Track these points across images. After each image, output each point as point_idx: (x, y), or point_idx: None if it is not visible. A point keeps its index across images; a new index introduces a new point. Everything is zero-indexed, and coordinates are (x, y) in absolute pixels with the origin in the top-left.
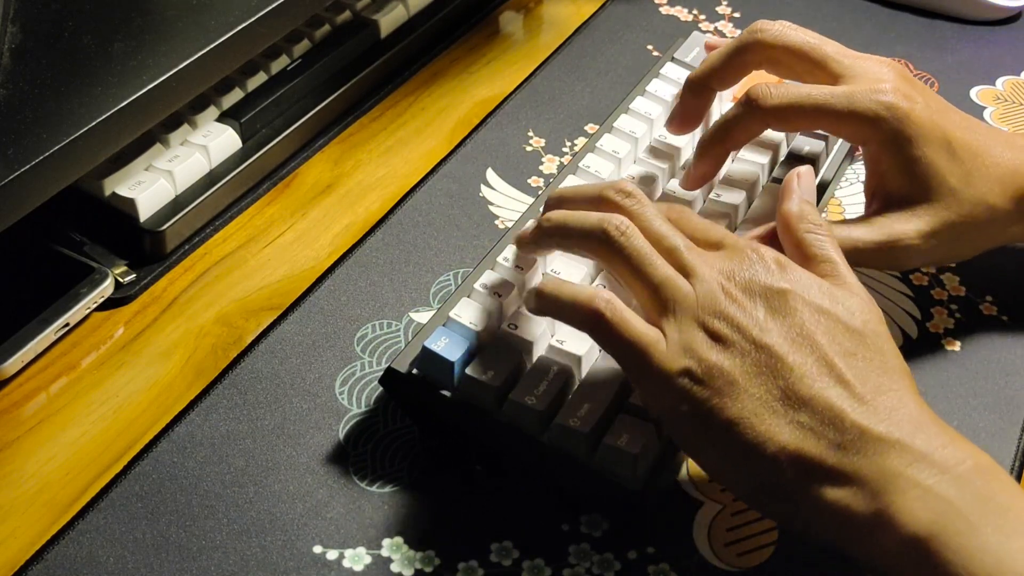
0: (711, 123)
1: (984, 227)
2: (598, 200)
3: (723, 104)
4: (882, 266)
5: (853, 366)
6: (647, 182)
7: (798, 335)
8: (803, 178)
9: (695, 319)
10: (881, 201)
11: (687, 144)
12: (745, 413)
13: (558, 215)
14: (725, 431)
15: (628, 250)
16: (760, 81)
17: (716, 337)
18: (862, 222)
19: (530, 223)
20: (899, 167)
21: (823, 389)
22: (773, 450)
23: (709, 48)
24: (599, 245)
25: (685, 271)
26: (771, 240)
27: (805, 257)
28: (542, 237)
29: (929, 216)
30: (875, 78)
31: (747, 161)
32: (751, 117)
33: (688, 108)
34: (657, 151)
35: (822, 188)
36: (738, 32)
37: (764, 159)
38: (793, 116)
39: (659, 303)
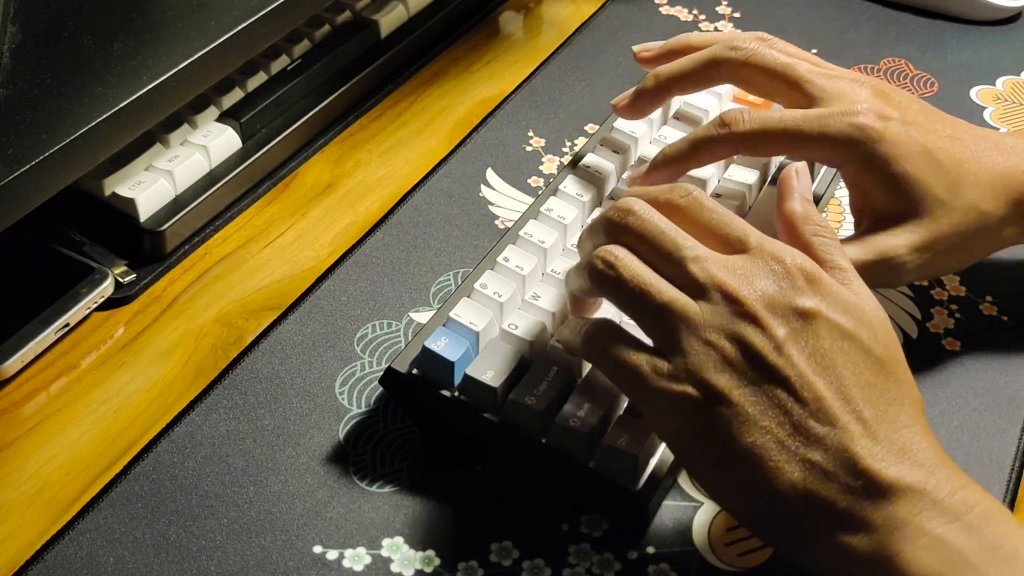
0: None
1: (978, 234)
2: (603, 227)
3: (724, 103)
4: (877, 284)
5: (871, 399)
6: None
7: (818, 364)
8: (801, 175)
9: (702, 339)
10: (870, 219)
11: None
12: (755, 448)
13: (571, 268)
14: (731, 462)
15: (619, 281)
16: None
17: (728, 359)
18: (852, 241)
19: None
20: (881, 186)
21: (838, 427)
22: (782, 488)
23: (644, 61)
24: (592, 284)
25: (694, 287)
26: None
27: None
28: (566, 291)
29: (920, 230)
30: (848, 99)
31: (742, 167)
32: (722, 141)
33: (643, 99)
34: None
35: (821, 190)
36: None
37: (760, 163)
38: (764, 142)
39: (661, 328)
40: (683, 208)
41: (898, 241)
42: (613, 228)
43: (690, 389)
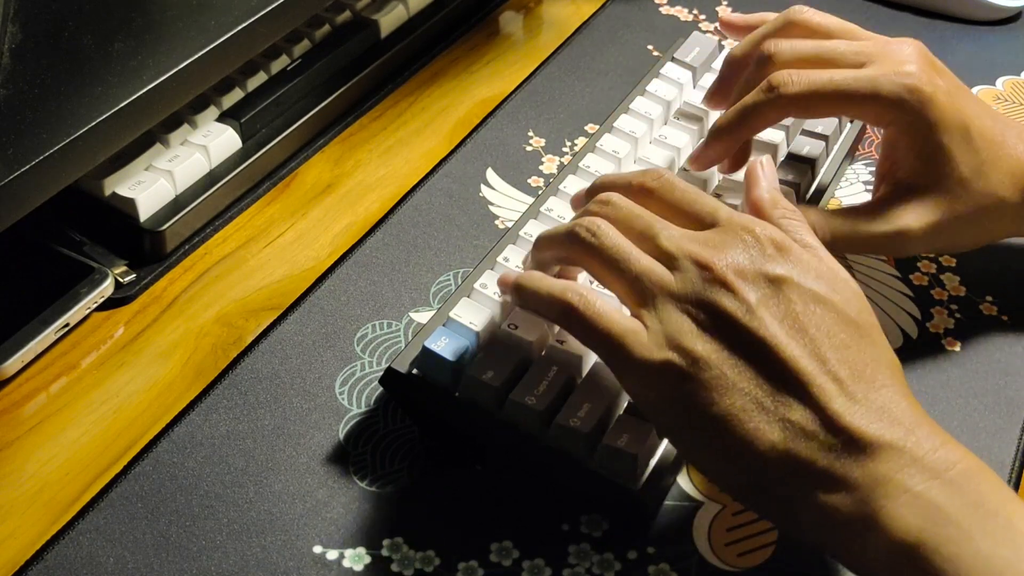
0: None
1: (990, 219)
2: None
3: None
4: (883, 252)
5: (846, 360)
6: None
7: (791, 326)
8: (766, 166)
9: (678, 307)
10: (891, 186)
11: (686, 145)
12: (733, 410)
13: (544, 231)
14: (712, 427)
15: (599, 248)
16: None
17: (703, 326)
18: (868, 211)
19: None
20: (916, 152)
21: (815, 386)
22: (762, 449)
23: (728, 25)
24: (572, 249)
25: (668, 258)
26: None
27: None
28: (533, 253)
29: (937, 208)
30: (899, 59)
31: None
32: (772, 104)
33: (711, 152)
34: (653, 157)
35: (821, 189)
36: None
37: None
38: (816, 103)
39: (638, 295)
40: (655, 190)
41: (914, 216)
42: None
43: (669, 356)
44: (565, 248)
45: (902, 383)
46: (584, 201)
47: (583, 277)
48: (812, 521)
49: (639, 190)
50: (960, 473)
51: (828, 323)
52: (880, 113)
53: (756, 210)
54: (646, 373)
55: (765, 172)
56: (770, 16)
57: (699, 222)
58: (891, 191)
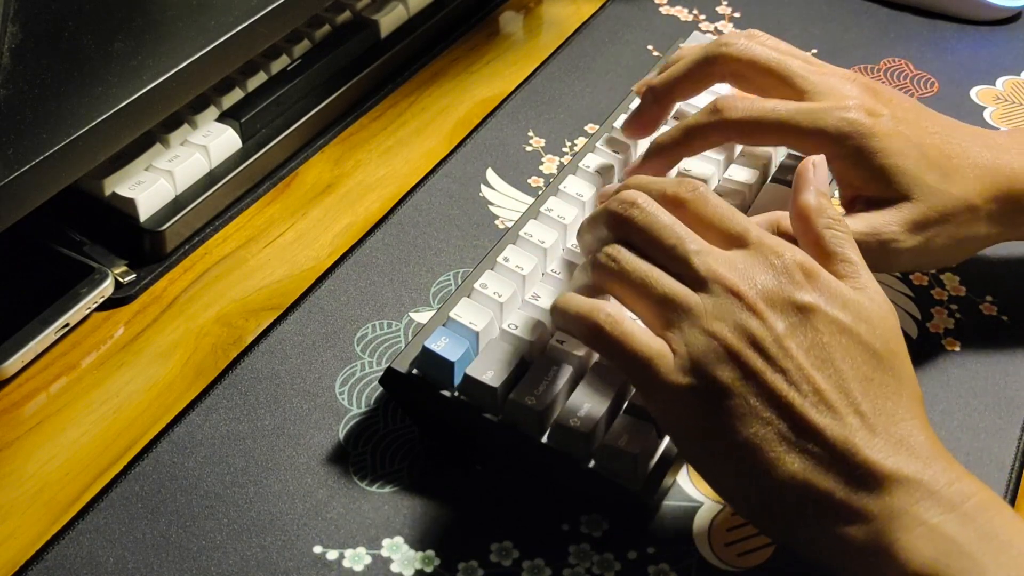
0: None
1: (966, 226)
2: (606, 218)
3: None
4: (872, 264)
5: (869, 393)
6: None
7: (817, 357)
8: (818, 168)
9: (705, 331)
10: (861, 205)
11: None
12: (755, 439)
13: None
14: (732, 453)
15: (623, 275)
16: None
17: (729, 351)
18: (851, 218)
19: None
20: (870, 178)
21: (836, 419)
22: (781, 478)
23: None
24: (596, 278)
25: (696, 280)
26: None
27: (823, 254)
28: (572, 284)
29: (912, 209)
30: (840, 95)
31: (741, 165)
32: (715, 128)
33: (646, 114)
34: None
35: None
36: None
37: (760, 162)
38: (757, 131)
39: (664, 319)
40: (688, 202)
41: (891, 218)
42: (616, 220)
43: (694, 381)
44: (589, 276)
45: (921, 415)
46: (599, 221)
47: None
48: (825, 548)
49: (672, 200)
50: (975, 506)
51: (853, 354)
52: (821, 147)
53: (802, 216)
54: (671, 397)
55: (816, 174)
56: (682, 51)
57: (727, 240)
58: (865, 208)
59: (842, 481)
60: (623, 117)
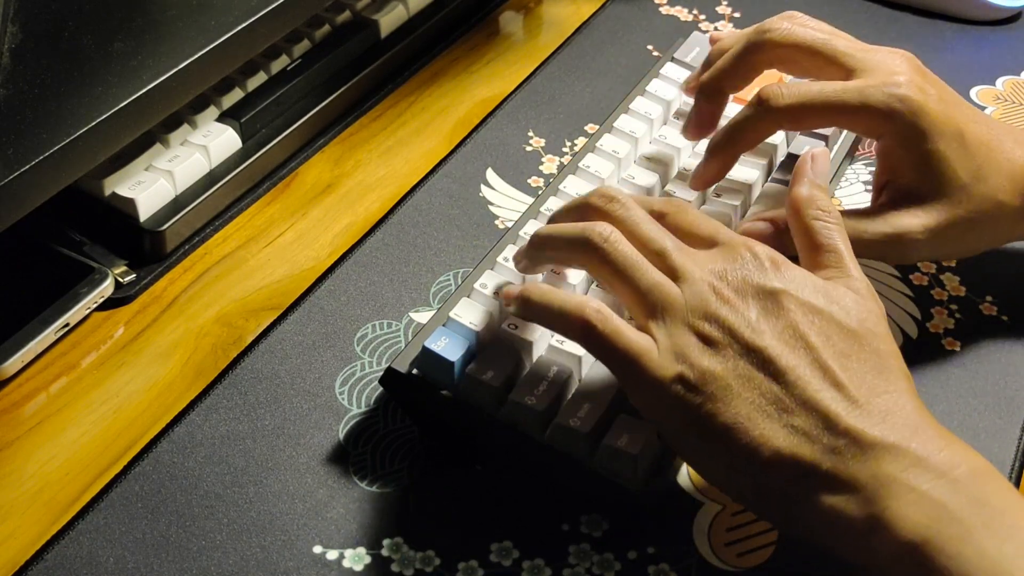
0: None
1: (992, 224)
2: (584, 209)
3: None
4: (885, 259)
5: (847, 367)
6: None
7: (791, 336)
8: (817, 160)
9: (685, 323)
10: (890, 195)
11: (686, 145)
12: (739, 418)
13: (545, 228)
14: (720, 437)
15: (613, 257)
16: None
17: (708, 341)
18: (869, 213)
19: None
20: (912, 161)
21: (816, 392)
22: (768, 455)
23: (712, 42)
24: (583, 254)
25: (674, 274)
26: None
27: (812, 245)
28: (532, 252)
29: (937, 212)
30: (888, 71)
31: (744, 164)
32: (763, 118)
33: (703, 113)
34: (653, 157)
35: None
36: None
37: (762, 161)
38: (806, 115)
39: (647, 309)
40: (669, 214)
41: (916, 220)
42: (595, 212)
43: (679, 370)
44: (572, 251)
45: (908, 388)
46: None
47: (574, 277)
48: (818, 523)
49: (653, 213)
50: (965, 473)
51: (827, 332)
52: (871, 124)
53: (793, 207)
54: (658, 389)
55: (815, 167)
56: (723, 42)
57: (701, 242)
58: (891, 198)
59: (828, 451)
60: (623, 116)
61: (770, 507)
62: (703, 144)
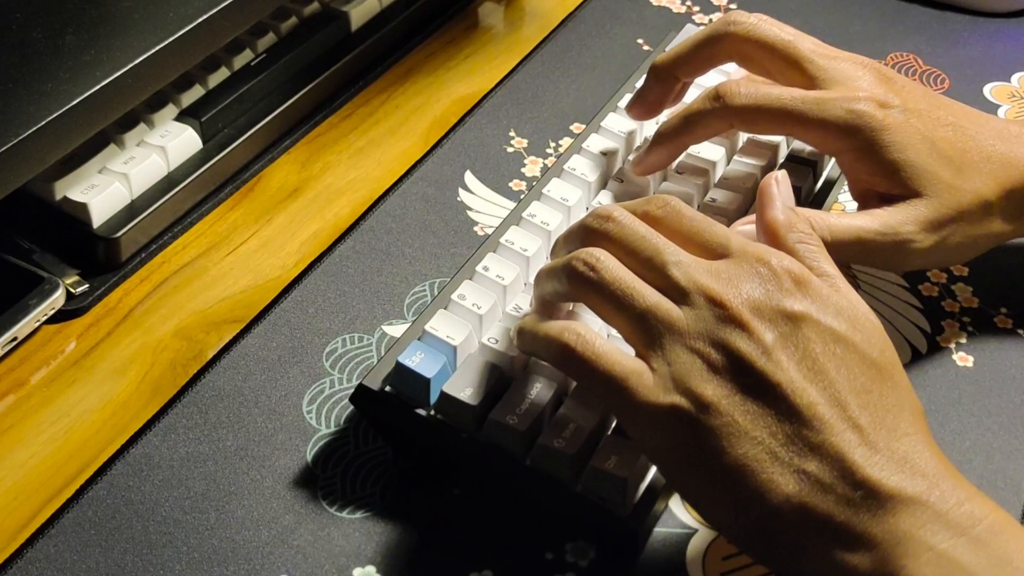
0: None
1: (980, 223)
2: (581, 234)
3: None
4: (885, 263)
5: (867, 405)
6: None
7: (810, 369)
8: (781, 184)
9: (687, 346)
10: (875, 201)
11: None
12: (745, 460)
13: (545, 266)
14: (722, 477)
15: (600, 285)
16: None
17: (714, 367)
18: (858, 214)
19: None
20: (881, 171)
21: (833, 435)
22: (776, 502)
23: None
24: (571, 287)
25: (677, 292)
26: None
27: None
28: (535, 292)
29: (928, 206)
30: (850, 84)
31: (744, 163)
32: (716, 114)
33: (650, 94)
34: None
35: (825, 190)
36: None
37: (762, 162)
38: (760, 118)
39: (644, 336)
40: (661, 219)
41: (906, 216)
42: (592, 234)
43: (676, 400)
44: (563, 284)
45: (925, 430)
46: (575, 237)
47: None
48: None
49: (643, 218)
50: (986, 529)
51: (849, 364)
52: (827, 140)
53: (770, 233)
54: (651, 418)
55: (780, 190)
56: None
57: (709, 251)
58: (877, 203)
59: (842, 503)
60: (611, 115)
61: (774, 555)
62: (703, 144)
